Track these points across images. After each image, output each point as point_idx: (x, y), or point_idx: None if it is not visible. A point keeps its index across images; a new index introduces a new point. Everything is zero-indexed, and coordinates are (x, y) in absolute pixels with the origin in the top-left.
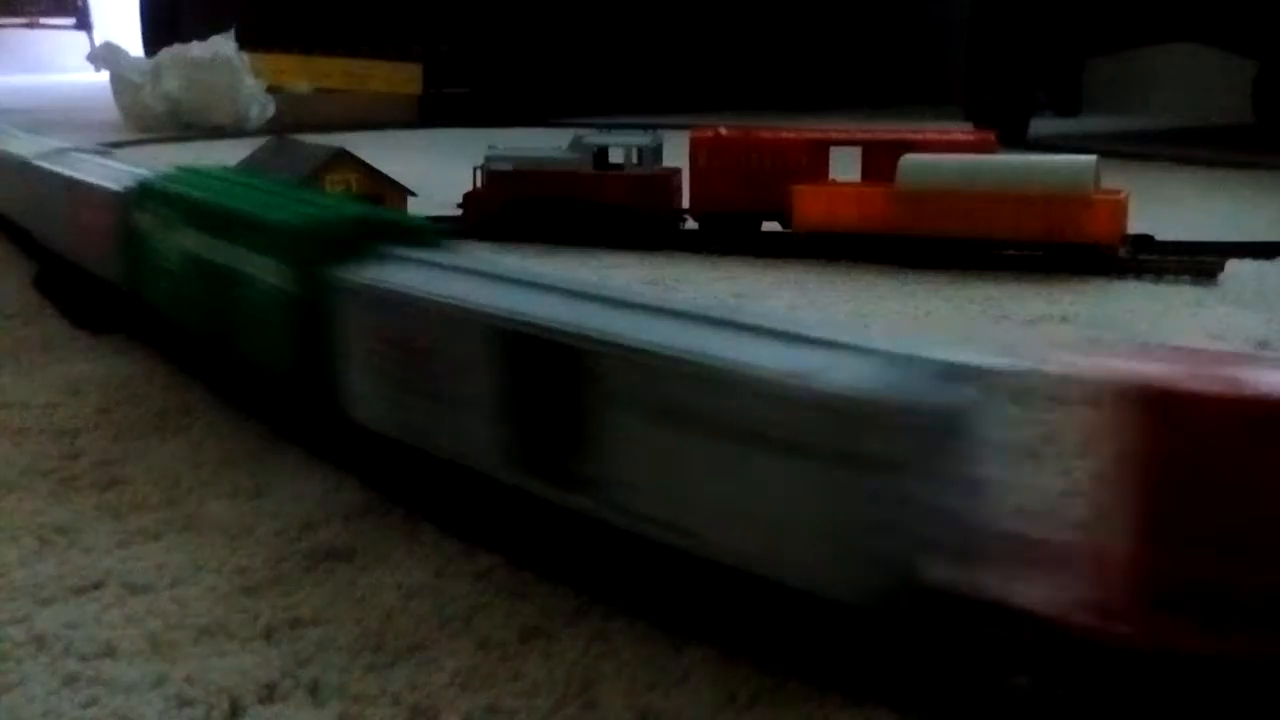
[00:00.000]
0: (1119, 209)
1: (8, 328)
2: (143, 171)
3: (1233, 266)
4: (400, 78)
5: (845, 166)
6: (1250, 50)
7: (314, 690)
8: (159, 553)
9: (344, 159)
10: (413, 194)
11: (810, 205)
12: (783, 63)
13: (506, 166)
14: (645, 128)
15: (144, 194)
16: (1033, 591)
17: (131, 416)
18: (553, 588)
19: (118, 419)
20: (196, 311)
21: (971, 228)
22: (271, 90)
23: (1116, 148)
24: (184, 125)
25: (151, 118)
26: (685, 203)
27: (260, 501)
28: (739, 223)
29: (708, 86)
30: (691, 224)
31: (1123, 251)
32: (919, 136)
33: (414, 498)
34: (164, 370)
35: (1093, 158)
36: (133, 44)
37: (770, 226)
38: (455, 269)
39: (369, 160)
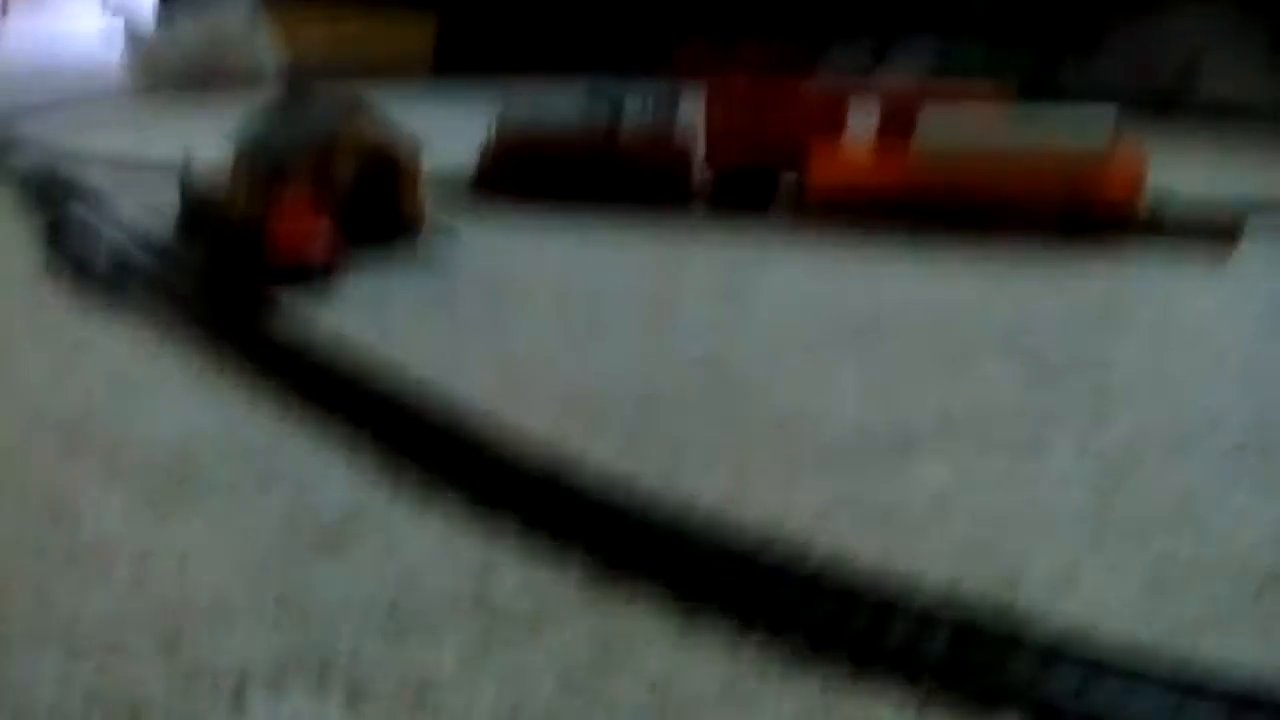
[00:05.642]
0: (1137, 166)
1: (18, 295)
2: None
3: (1252, 231)
4: (414, 30)
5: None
6: None
7: (322, 669)
8: (167, 529)
9: (358, 114)
10: (426, 150)
11: (825, 170)
12: None
13: (520, 122)
14: (659, 82)
15: None
16: None
17: (141, 388)
18: (562, 565)
19: (127, 391)
20: None
21: (989, 190)
22: (286, 42)
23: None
24: (197, 78)
25: (165, 69)
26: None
27: (270, 477)
28: (755, 178)
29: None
30: (708, 179)
31: (1142, 213)
32: (938, 90)
33: None
34: (174, 339)
35: (1110, 110)
36: None
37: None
38: None
39: (384, 115)
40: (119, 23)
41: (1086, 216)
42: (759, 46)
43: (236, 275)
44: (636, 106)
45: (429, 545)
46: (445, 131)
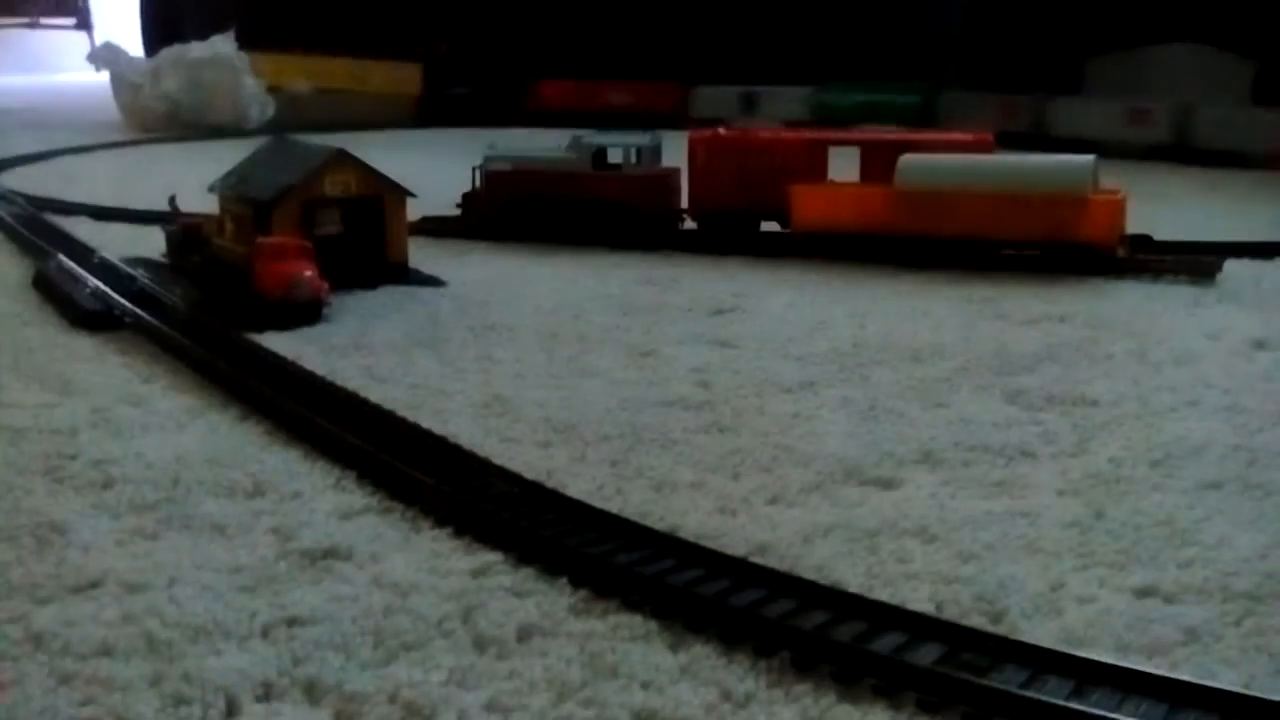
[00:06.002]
0: (1117, 209)
1: (8, 328)
2: None
3: (1231, 267)
4: (400, 78)
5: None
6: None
7: (310, 689)
8: (156, 552)
9: (343, 159)
10: (412, 195)
11: (808, 206)
12: (782, 40)
13: (505, 167)
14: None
15: None
16: None
17: (129, 415)
18: (550, 585)
19: (115, 418)
20: None
21: (970, 228)
22: (271, 90)
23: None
24: (184, 125)
25: (151, 118)
26: (684, 203)
27: (258, 500)
28: (737, 221)
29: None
30: (691, 224)
31: (1121, 251)
32: (918, 137)
33: None
34: (162, 369)
35: (1091, 158)
36: (133, 44)
37: (769, 227)
38: None
39: (368, 160)
40: (106, 72)
41: (1068, 254)
42: (624, 85)
43: (224, 315)
44: (620, 152)
45: (416, 567)
46: (431, 177)
